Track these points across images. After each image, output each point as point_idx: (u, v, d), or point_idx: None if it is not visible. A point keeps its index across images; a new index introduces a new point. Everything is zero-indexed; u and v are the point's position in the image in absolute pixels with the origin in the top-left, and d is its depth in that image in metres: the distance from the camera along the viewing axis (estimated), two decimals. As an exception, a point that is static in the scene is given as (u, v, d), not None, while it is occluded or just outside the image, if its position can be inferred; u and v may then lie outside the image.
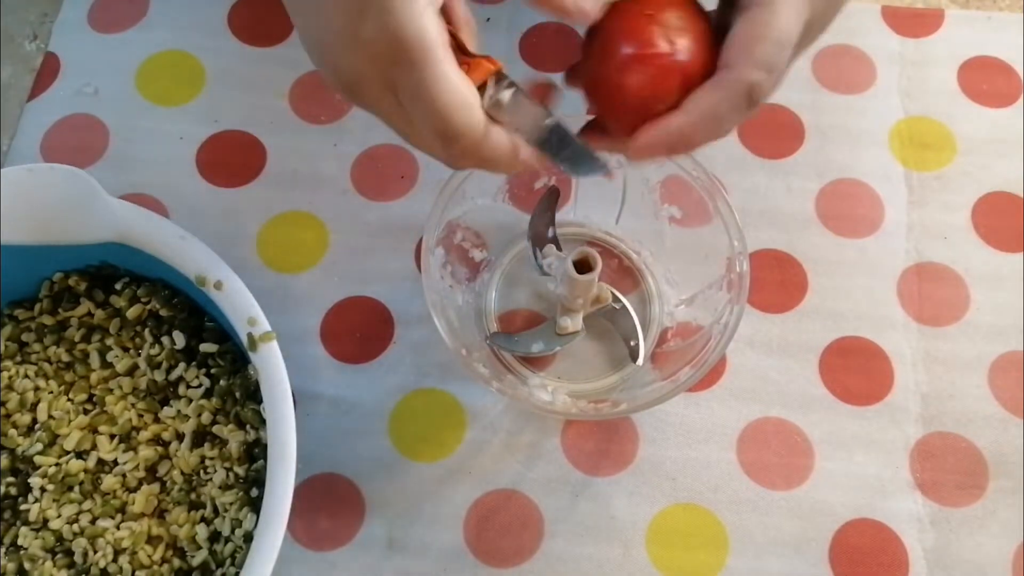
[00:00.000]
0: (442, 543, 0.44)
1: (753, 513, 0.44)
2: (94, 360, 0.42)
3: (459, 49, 0.31)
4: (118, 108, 0.54)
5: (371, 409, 0.46)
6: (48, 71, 0.55)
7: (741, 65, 0.31)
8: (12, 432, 0.40)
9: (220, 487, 0.39)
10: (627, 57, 0.32)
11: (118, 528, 0.39)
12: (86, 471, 0.40)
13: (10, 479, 0.40)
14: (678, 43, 0.32)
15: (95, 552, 0.38)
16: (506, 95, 0.31)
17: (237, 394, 0.40)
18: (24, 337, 0.43)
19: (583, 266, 0.42)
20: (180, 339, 0.41)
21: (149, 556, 0.38)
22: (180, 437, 0.40)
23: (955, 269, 0.49)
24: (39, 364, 0.42)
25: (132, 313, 0.42)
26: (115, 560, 0.38)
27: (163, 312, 0.42)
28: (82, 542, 0.38)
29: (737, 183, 0.51)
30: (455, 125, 0.30)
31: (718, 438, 0.46)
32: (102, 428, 0.40)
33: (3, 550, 0.39)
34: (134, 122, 0.53)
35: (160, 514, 0.39)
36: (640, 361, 0.46)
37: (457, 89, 0.29)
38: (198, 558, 0.38)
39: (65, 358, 0.42)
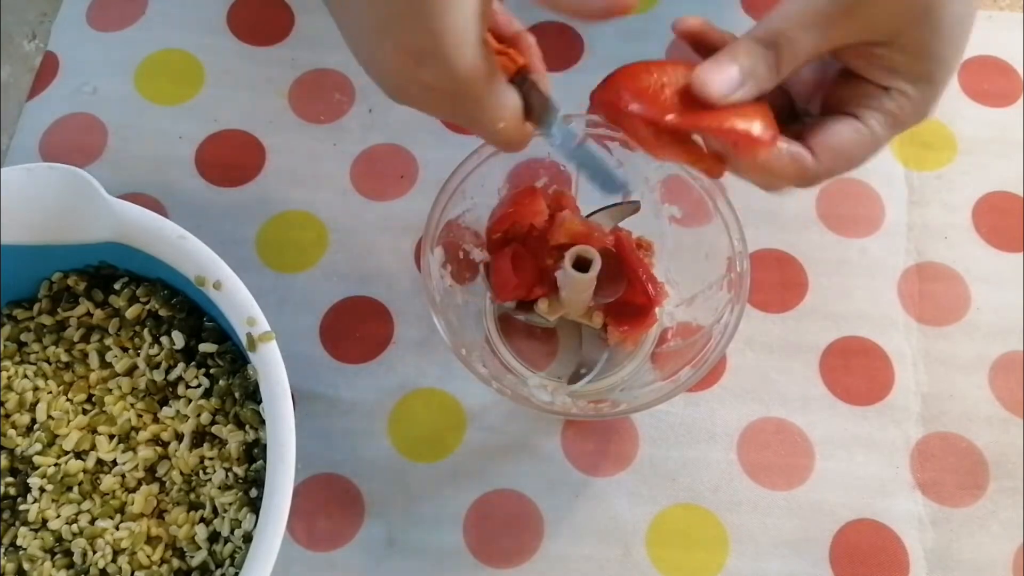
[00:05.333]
0: (442, 543, 0.43)
1: (753, 513, 0.44)
2: (93, 360, 0.42)
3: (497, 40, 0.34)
4: (117, 107, 0.54)
5: (371, 409, 0.46)
6: (47, 70, 0.55)
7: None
8: (11, 432, 0.40)
9: (219, 487, 0.39)
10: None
11: (117, 528, 0.38)
12: (85, 471, 0.40)
13: (9, 479, 0.40)
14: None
15: (94, 552, 0.38)
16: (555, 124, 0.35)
17: (236, 394, 0.40)
18: (23, 337, 0.43)
19: (582, 264, 0.42)
20: (179, 339, 0.41)
21: (148, 556, 0.38)
22: (179, 437, 0.40)
23: (955, 269, 0.49)
24: (38, 364, 0.42)
25: (131, 313, 0.42)
26: (114, 560, 0.38)
27: (162, 312, 0.42)
28: (81, 542, 0.38)
29: (737, 183, 0.51)
30: (508, 137, 0.34)
31: (718, 438, 0.46)
32: (101, 428, 0.40)
33: (2, 550, 0.39)
34: (133, 121, 0.53)
35: (159, 514, 0.39)
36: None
37: (511, 115, 0.33)
38: (197, 558, 0.38)
39: (64, 358, 0.42)
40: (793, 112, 0.37)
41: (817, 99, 0.36)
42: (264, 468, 0.36)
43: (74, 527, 0.39)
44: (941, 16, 0.31)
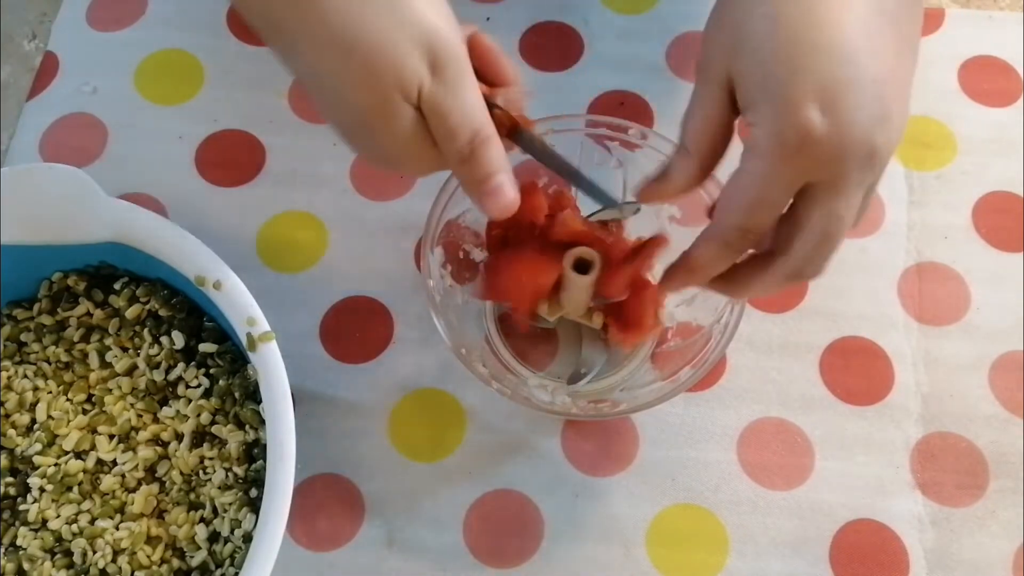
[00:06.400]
0: (442, 543, 0.43)
1: (753, 513, 0.44)
2: (93, 360, 0.42)
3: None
4: (117, 107, 0.54)
5: (371, 409, 0.46)
6: (47, 70, 0.55)
7: (716, 216, 0.33)
8: (11, 432, 0.40)
9: (219, 487, 0.39)
10: None
11: (117, 528, 0.38)
12: (85, 471, 0.40)
13: (9, 479, 0.40)
14: None
15: (94, 552, 0.38)
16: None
17: (236, 394, 0.40)
18: (23, 337, 0.43)
19: (582, 266, 0.42)
20: (179, 339, 0.41)
21: (148, 556, 0.38)
22: (179, 437, 0.40)
23: (955, 269, 0.49)
24: (38, 364, 0.42)
25: (131, 313, 0.42)
26: (114, 560, 0.38)
27: (162, 312, 0.42)
28: (81, 542, 0.38)
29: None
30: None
31: (718, 438, 0.46)
32: (101, 428, 0.40)
33: (2, 550, 0.39)
34: (133, 121, 0.53)
35: (159, 514, 0.39)
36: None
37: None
38: (197, 559, 0.38)
39: (64, 358, 0.42)
40: None
41: None
42: (264, 468, 0.36)
43: (74, 527, 0.39)
44: (749, 41, 0.31)
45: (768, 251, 0.34)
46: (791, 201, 0.32)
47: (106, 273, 0.43)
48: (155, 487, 0.39)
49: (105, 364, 0.42)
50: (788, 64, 0.30)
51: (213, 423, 0.40)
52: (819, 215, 0.31)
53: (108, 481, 0.39)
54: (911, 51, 0.33)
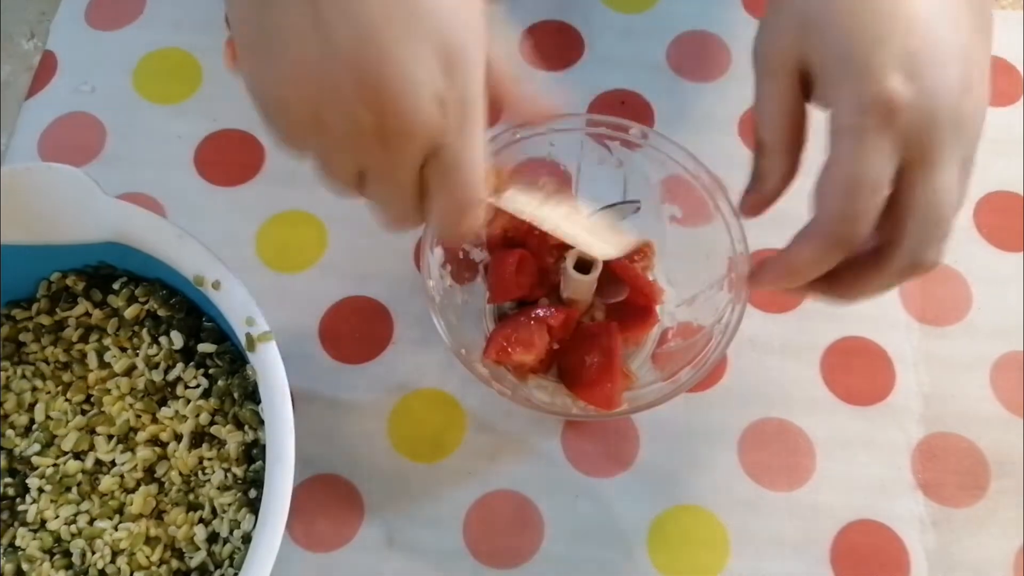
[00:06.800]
0: (441, 544, 0.43)
1: (754, 514, 0.44)
2: (92, 360, 0.41)
3: None
4: (115, 106, 0.53)
5: (370, 409, 0.46)
6: (46, 69, 0.55)
7: (815, 211, 0.31)
8: (10, 433, 0.40)
9: (218, 488, 0.39)
10: None
11: (116, 529, 0.38)
12: (84, 472, 0.39)
13: (8, 480, 0.40)
14: None
15: (93, 553, 0.38)
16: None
17: (235, 394, 0.39)
18: (22, 337, 0.42)
19: (583, 266, 0.42)
20: (178, 339, 0.41)
21: (147, 557, 0.38)
22: (178, 438, 0.40)
23: (956, 269, 0.49)
24: (37, 364, 0.42)
25: (130, 313, 0.41)
26: (113, 561, 0.38)
27: (161, 312, 0.41)
28: (80, 543, 0.38)
29: (738, 183, 0.51)
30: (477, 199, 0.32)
31: (719, 439, 0.46)
32: (100, 429, 0.40)
33: (1, 551, 0.39)
34: (131, 120, 0.53)
35: (158, 515, 0.39)
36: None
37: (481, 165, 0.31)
38: (196, 559, 0.38)
39: (63, 358, 0.42)
40: None
41: None
42: (263, 468, 0.36)
43: (73, 528, 0.38)
44: (821, 19, 0.30)
45: (874, 249, 0.32)
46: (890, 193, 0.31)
47: (105, 273, 0.43)
48: (154, 488, 0.39)
49: (104, 364, 0.42)
50: (868, 33, 0.29)
51: (212, 423, 0.40)
52: (923, 191, 0.30)
53: (107, 482, 0.39)
54: (987, 29, 0.33)
